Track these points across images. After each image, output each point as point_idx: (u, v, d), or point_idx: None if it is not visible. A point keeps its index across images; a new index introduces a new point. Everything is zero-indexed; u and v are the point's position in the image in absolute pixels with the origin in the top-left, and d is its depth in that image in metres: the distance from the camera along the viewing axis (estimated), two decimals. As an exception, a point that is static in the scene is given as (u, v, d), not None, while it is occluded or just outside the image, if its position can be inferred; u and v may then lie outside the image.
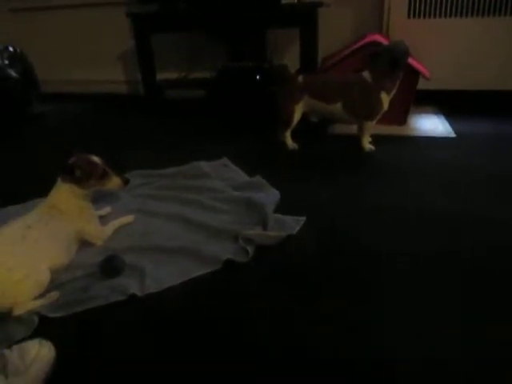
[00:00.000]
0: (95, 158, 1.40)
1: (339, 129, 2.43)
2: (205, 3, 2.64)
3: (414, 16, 2.64)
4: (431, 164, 1.94)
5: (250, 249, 1.34)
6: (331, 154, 2.14)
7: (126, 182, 1.47)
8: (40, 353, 0.92)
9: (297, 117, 2.13)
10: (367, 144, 2.14)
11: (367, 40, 2.48)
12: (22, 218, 1.29)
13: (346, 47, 2.79)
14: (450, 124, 2.42)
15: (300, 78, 2.10)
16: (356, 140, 2.16)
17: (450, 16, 2.59)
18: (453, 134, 2.27)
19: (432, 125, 2.44)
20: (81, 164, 1.35)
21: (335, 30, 2.77)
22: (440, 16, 2.61)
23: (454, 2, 2.55)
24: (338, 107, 2.08)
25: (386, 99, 2.03)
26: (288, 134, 2.18)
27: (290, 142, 2.18)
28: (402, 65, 1.97)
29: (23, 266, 1.14)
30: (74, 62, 3.63)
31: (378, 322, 1.06)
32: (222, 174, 1.93)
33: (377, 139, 2.20)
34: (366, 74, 2.03)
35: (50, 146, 2.53)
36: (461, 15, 2.58)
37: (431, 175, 1.83)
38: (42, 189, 1.44)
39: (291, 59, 2.95)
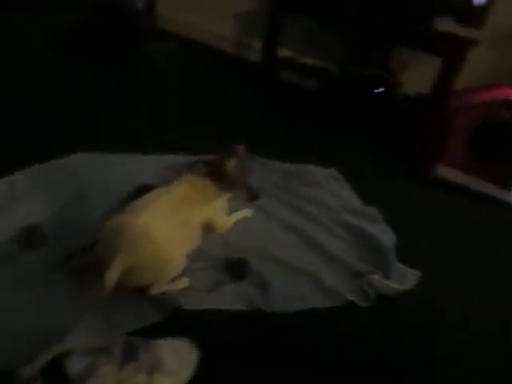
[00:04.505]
0: (229, 166, 1.30)
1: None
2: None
3: None
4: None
5: (372, 294, 1.31)
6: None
7: (252, 198, 1.41)
8: (190, 358, 0.92)
9: None
10: None
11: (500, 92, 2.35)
12: (168, 194, 1.23)
13: (478, 89, 2.65)
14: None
15: None
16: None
17: None
18: None
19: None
20: (211, 165, 1.32)
21: (474, 68, 2.61)
22: None
23: None
24: None
25: None
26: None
27: None
28: None
29: (171, 248, 1.12)
30: (193, 7, 3.52)
31: None
32: (333, 190, 1.86)
33: None
34: None
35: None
36: None
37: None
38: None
39: (414, 80, 2.82)
